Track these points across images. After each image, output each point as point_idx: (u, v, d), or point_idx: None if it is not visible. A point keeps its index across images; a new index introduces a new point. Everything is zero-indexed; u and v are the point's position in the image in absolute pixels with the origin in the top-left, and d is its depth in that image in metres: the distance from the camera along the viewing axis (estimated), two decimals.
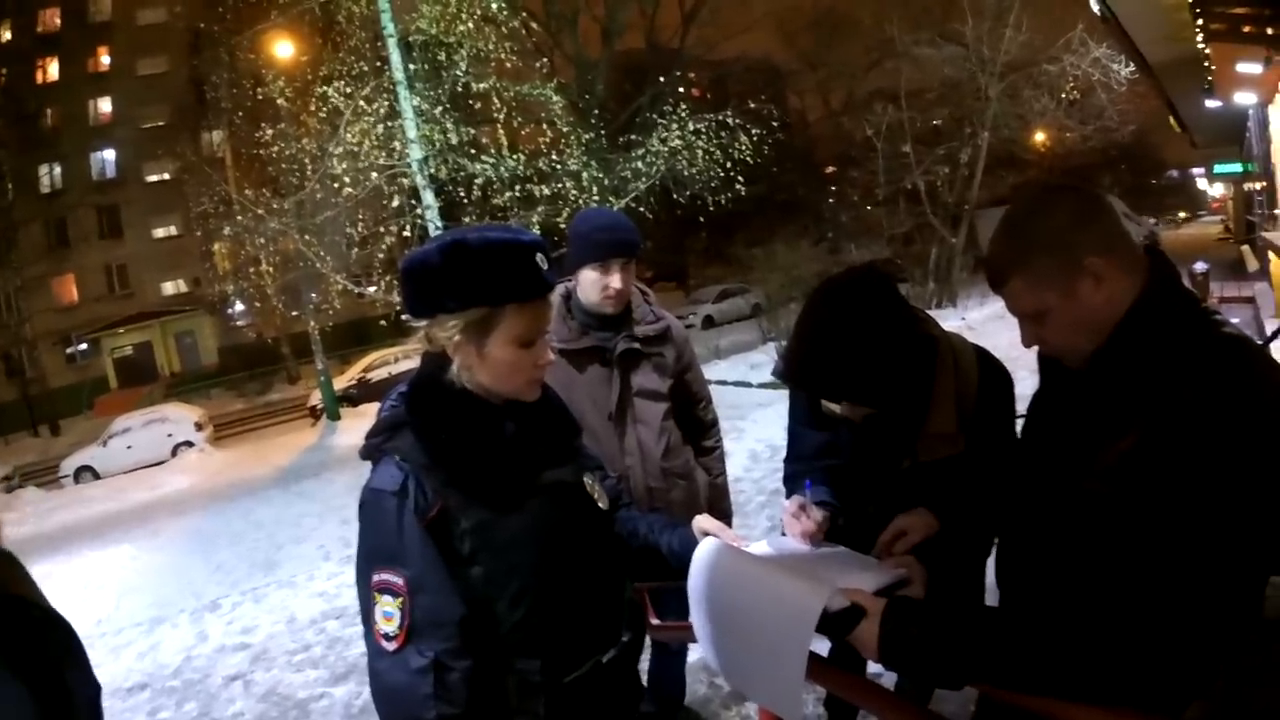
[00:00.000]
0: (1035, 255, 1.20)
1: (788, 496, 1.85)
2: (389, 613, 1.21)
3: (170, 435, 17.75)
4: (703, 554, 1.44)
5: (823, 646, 1.29)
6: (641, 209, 12.34)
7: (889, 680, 2.25)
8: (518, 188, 11.57)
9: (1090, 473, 1.18)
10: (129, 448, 17.59)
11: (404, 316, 1.35)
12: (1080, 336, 1.22)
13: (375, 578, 1.23)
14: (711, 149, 12.61)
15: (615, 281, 2.19)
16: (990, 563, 1.61)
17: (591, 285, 2.22)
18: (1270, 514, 1.03)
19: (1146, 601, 1.04)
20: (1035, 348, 1.34)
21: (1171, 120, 17.80)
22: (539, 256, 1.29)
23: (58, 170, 31.27)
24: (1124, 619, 1.05)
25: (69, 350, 31.79)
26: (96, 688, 1.21)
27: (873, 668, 1.75)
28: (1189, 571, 1.02)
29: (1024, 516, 1.37)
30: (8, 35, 30.50)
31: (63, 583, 7.36)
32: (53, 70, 31.50)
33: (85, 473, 17.55)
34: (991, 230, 1.31)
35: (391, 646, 1.20)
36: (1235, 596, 1.05)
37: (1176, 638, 1.03)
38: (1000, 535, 1.48)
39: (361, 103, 10.88)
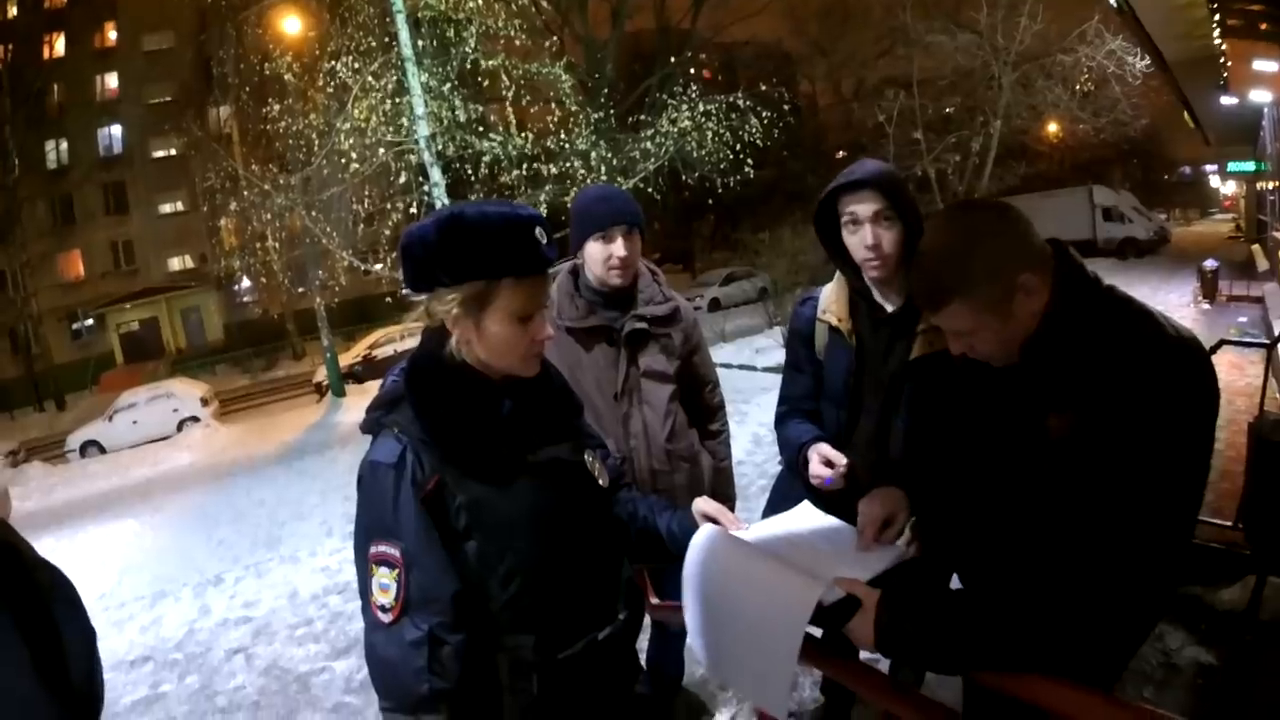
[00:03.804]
0: (978, 281, 1.24)
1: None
2: (385, 584, 1.21)
3: (176, 411, 17.78)
4: (699, 541, 1.43)
5: (818, 630, 1.28)
6: (650, 190, 12.26)
7: (884, 665, 2.25)
8: (525, 166, 11.50)
9: (1031, 453, 1.28)
10: (134, 423, 17.67)
11: (404, 291, 1.34)
12: (1011, 344, 1.29)
13: (372, 549, 1.23)
14: (721, 131, 12.49)
15: (619, 249, 2.17)
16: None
17: (596, 258, 2.20)
18: (1198, 471, 1.17)
19: (1089, 567, 1.12)
20: None
21: (1185, 116, 17.65)
22: (537, 231, 1.28)
23: (64, 146, 31.17)
24: (1071, 586, 1.13)
25: (74, 326, 31.87)
26: (90, 632, 1.22)
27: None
28: (1132, 527, 1.12)
29: (974, 496, 1.45)
30: (14, 11, 30.30)
31: (66, 557, 7.40)
32: (59, 46, 31.28)
33: (91, 448, 17.64)
34: None
35: (387, 619, 1.21)
36: (1167, 557, 1.16)
37: (1115, 597, 1.13)
38: (953, 514, 1.52)
39: (369, 79, 10.81)
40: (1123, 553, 1.11)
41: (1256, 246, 19.39)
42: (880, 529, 1.49)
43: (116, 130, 32.30)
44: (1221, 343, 3.98)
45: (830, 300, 2.05)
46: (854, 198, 1.84)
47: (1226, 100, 12.53)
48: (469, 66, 11.34)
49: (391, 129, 10.86)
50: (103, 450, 17.34)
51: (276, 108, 12.23)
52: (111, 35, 32.15)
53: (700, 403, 2.53)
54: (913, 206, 1.85)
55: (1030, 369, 1.29)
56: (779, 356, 11.62)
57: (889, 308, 1.94)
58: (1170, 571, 1.20)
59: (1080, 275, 1.28)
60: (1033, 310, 1.25)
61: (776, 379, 2.25)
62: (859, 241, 1.85)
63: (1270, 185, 18.11)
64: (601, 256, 2.19)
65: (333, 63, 11.01)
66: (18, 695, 1.07)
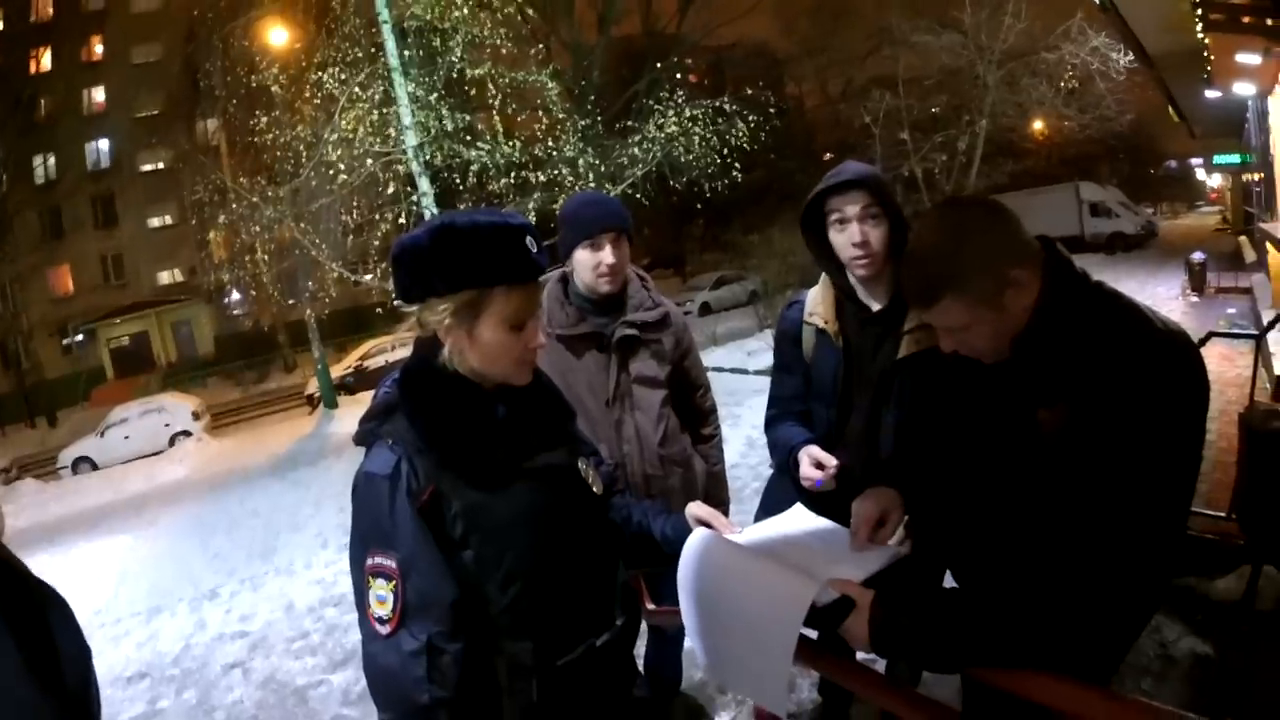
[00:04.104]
0: (971, 275, 1.25)
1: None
2: (382, 596, 1.20)
3: (167, 425, 17.72)
4: (692, 545, 1.44)
5: (814, 632, 1.29)
6: (638, 196, 12.24)
7: (881, 665, 2.25)
8: (513, 174, 11.48)
9: (1023, 447, 1.29)
10: (126, 438, 17.59)
11: (396, 301, 1.34)
12: (1003, 340, 1.30)
13: (369, 561, 1.23)
14: (708, 135, 12.48)
15: (607, 256, 2.17)
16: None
17: (585, 265, 2.20)
18: (1189, 462, 1.18)
19: (1084, 561, 1.13)
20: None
21: (1170, 110, 17.75)
22: (528, 239, 1.29)
23: (52, 160, 31.05)
24: (1066, 580, 1.14)
25: (65, 341, 31.70)
26: (85, 649, 1.21)
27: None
28: (1125, 519, 1.13)
29: (966, 492, 1.46)
30: (0, 24, 30.18)
31: (61, 573, 7.35)
32: (46, 60, 31.19)
33: (83, 464, 17.57)
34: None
35: (385, 630, 1.20)
36: (1161, 549, 1.16)
37: (1110, 590, 1.13)
38: (946, 511, 1.53)
39: (356, 89, 10.78)
40: (1116, 546, 1.12)
41: (1243, 238, 19.51)
42: (874, 528, 1.50)
43: (104, 143, 32.25)
44: (1210, 335, 4.01)
45: (816, 303, 2.07)
46: (842, 198, 1.88)
47: (1211, 94, 12.59)
48: (455, 75, 11.31)
49: (379, 139, 10.83)
50: (95, 466, 17.26)
51: (264, 119, 12.18)
52: (99, 48, 32.07)
53: (692, 407, 2.53)
54: (897, 207, 1.89)
55: (1021, 364, 1.31)
56: (770, 359, 11.57)
57: (875, 306, 1.96)
58: (1165, 563, 1.21)
59: (1069, 270, 1.29)
60: (1024, 305, 1.27)
61: (768, 382, 2.26)
62: (846, 240, 1.88)
63: (1256, 177, 18.24)
64: (590, 263, 2.18)
65: (320, 74, 10.98)
66: (15, 696, 1.07)
